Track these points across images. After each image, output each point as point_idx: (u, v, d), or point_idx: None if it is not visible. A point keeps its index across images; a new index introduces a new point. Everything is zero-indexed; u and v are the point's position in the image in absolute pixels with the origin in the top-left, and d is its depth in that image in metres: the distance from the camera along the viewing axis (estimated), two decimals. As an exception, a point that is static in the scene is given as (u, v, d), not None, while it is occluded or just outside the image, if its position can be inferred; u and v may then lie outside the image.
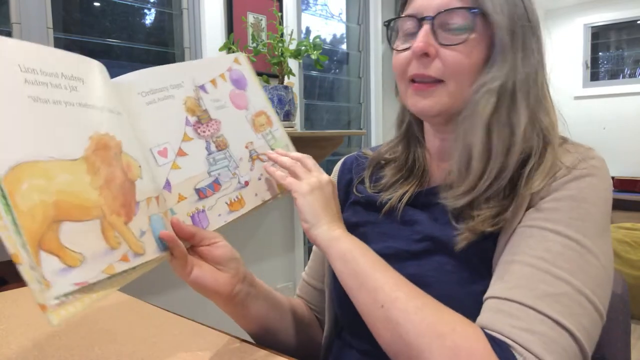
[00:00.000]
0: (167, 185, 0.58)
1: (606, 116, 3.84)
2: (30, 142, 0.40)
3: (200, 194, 0.60)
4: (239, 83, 0.69)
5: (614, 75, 4.01)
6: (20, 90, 0.41)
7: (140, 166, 0.52)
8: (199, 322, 0.72)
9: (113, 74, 0.56)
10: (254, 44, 2.08)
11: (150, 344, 0.64)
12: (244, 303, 0.62)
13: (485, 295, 0.52)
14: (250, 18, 2.19)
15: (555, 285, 0.48)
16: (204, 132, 0.62)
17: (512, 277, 0.50)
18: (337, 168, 0.80)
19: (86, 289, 0.41)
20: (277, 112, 0.69)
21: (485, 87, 0.57)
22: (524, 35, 0.58)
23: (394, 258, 0.59)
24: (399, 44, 0.63)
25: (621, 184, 3.48)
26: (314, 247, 0.79)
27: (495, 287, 0.52)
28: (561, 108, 0.62)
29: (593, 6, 3.96)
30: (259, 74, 2.05)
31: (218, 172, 0.63)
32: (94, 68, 0.51)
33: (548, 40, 0.62)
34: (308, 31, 2.72)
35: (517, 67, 0.57)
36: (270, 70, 2.07)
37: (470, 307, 0.52)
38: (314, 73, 2.67)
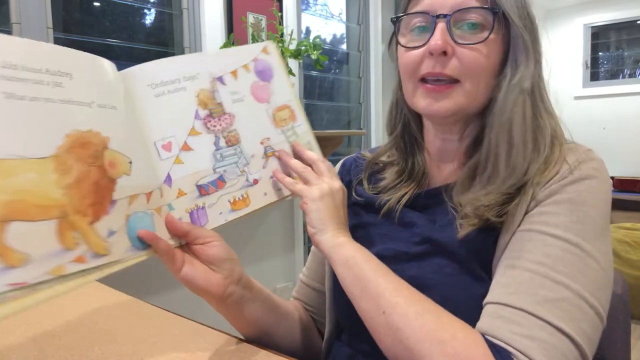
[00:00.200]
0: (168, 179, 0.57)
1: (606, 116, 3.84)
2: None
3: (202, 190, 0.59)
4: (263, 74, 0.66)
5: (614, 75, 4.01)
6: None
7: (130, 162, 0.51)
8: (199, 322, 0.72)
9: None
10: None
11: (150, 344, 0.64)
12: (238, 305, 0.61)
13: (485, 300, 0.52)
14: (250, 18, 2.19)
15: (555, 290, 0.48)
16: (214, 126, 0.60)
17: (511, 282, 0.50)
18: (336, 169, 0.80)
19: (27, 289, 0.40)
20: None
21: (519, 86, 0.57)
22: (537, 35, 0.59)
23: (395, 260, 0.59)
24: (409, 42, 0.62)
25: (621, 184, 3.48)
26: (312, 248, 0.79)
27: (494, 292, 0.52)
28: (561, 108, 0.62)
29: (593, 6, 3.96)
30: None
31: (224, 168, 0.60)
32: (89, 62, 0.51)
33: (547, 40, 0.63)
34: (308, 31, 2.72)
35: (535, 67, 0.58)
36: (270, 70, 2.07)
37: (470, 310, 0.52)
38: (314, 73, 2.67)
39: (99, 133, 0.49)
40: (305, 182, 0.62)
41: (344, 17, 3.00)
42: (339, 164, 0.80)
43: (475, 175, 0.60)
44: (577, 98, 4.00)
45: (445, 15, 0.57)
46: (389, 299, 0.51)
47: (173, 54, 2.10)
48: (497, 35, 0.57)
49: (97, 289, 0.91)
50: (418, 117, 0.69)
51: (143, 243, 0.52)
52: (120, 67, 0.55)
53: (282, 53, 2.01)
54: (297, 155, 0.66)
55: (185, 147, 0.58)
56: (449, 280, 0.57)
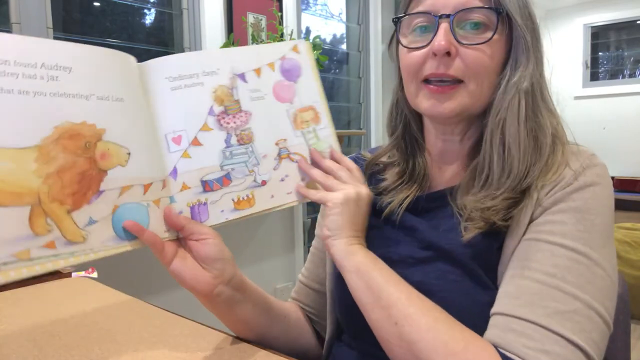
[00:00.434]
0: (174, 172, 0.57)
1: (606, 116, 3.84)
2: None
3: (206, 186, 0.58)
4: (289, 73, 0.64)
5: (614, 75, 4.01)
6: None
7: (129, 154, 0.53)
8: (199, 322, 0.72)
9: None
10: (254, 44, 2.08)
11: (150, 344, 0.64)
12: (226, 305, 0.60)
13: (494, 310, 0.52)
14: (250, 18, 2.19)
15: (565, 301, 0.48)
16: (227, 123, 0.60)
17: (521, 293, 0.50)
18: None
19: None
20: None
21: (516, 86, 0.56)
22: (538, 35, 0.59)
23: (400, 264, 0.59)
24: (411, 42, 0.61)
25: (621, 184, 3.48)
26: (311, 249, 0.79)
27: (503, 303, 0.51)
28: (562, 108, 0.62)
29: (593, 6, 3.96)
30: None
31: (232, 166, 0.60)
32: (95, 56, 0.52)
33: (548, 39, 0.62)
34: (308, 31, 2.72)
35: (536, 67, 0.58)
36: (270, 70, 2.07)
37: (474, 317, 0.52)
38: (314, 73, 2.66)
39: (94, 125, 0.50)
40: (329, 189, 0.60)
41: (344, 17, 3.00)
42: None
43: (475, 177, 0.59)
44: (577, 98, 4.00)
45: (448, 15, 0.56)
46: (401, 309, 0.51)
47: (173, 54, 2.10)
48: (500, 36, 0.57)
49: (97, 289, 0.91)
50: (419, 118, 0.69)
51: (129, 234, 0.52)
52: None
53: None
54: (315, 163, 0.64)
55: (195, 142, 0.58)
56: (453, 286, 0.56)
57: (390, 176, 0.69)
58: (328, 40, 2.89)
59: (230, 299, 0.59)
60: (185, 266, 0.55)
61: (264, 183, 0.61)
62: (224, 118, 0.60)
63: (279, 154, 0.62)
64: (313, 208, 2.67)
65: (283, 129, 0.63)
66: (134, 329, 0.70)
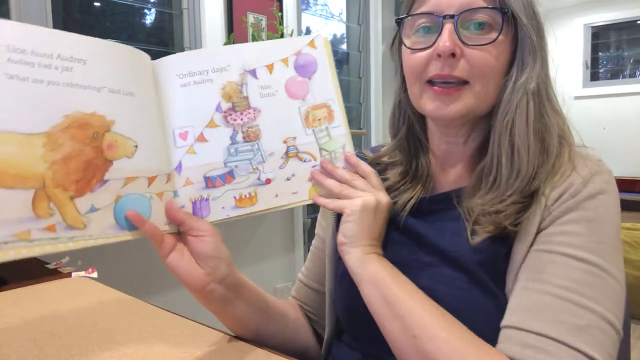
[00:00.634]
0: (179, 167, 0.58)
1: (606, 116, 3.84)
2: None
3: (209, 182, 0.59)
4: (304, 69, 0.63)
5: (614, 75, 4.01)
6: None
7: (136, 146, 0.54)
8: (199, 322, 0.72)
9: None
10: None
11: (150, 344, 0.64)
12: (220, 303, 0.60)
13: (507, 323, 0.51)
14: (250, 18, 2.19)
15: (582, 315, 0.48)
16: (234, 120, 0.60)
17: (537, 307, 0.50)
18: None
19: None
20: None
21: (523, 87, 0.56)
22: (543, 34, 0.58)
23: (405, 267, 0.58)
24: (414, 43, 0.60)
25: (621, 184, 3.46)
26: (311, 248, 0.79)
27: (519, 316, 0.51)
28: (568, 108, 0.61)
29: (593, 6, 3.96)
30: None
31: (236, 164, 0.60)
32: (111, 51, 0.54)
33: (553, 38, 0.61)
34: (308, 31, 2.72)
35: (542, 67, 0.57)
36: (270, 70, 2.07)
37: (482, 326, 0.52)
38: (314, 73, 2.66)
39: (104, 116, 0.52)
40: (346, 198, 0.59)
41: (344, 17, 3.00)
42: None
43: (482, 180, 0.59)
44: (577, 98, 4.00)
45: (452, 16, 0.55)
46: (418, 322, 0.51)
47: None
48: (505, 36, 0.56)
49: (97, 289, 0.91)
50: (422, 119, 0.68)
51: (130, 224, 0.53)
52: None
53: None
54: (328, 173, 0.61)
55: (201, 138, 0.59)
56: (460, 293, 0.56)
57: (392, 176, 0.68)
58: (328, 40, 2.89)
59: (223, 297, 0.59)
60: (181, 260, 0.56)
61: (268, 181, 0.61)
62: (230, 115, 0.60)
63: (286, 152, 0.61)
64: (313, 208, 2.66)
65: (293, 126, 0.62)
66: (134, 329, 0.70)
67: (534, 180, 0.55)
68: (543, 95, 0.57)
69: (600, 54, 4.06)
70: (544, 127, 0.57)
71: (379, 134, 3.05)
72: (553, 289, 0.50)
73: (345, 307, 0.65)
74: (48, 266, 1.09)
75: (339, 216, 0.62)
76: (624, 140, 3.72)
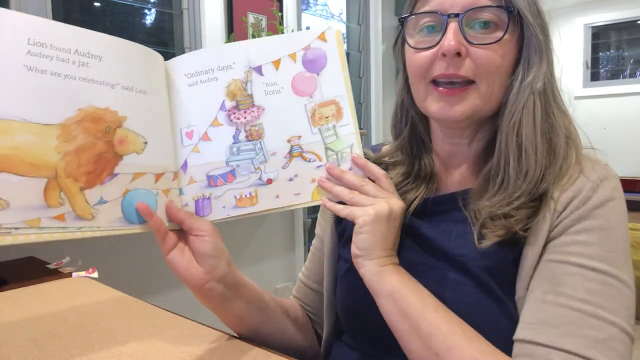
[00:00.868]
0: (184, 165, 0.59)
1: (606, 116, 3.84)
2: (3, 102, 0.46)
3: (211, 181, 0.59)
4: (312, 64, 0.60)
5: (614, 75, 4.01)
6: (17, 60, 0.47)
7: (145, 143, 0.56)
8: (199, 322, 0.72)
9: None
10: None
11: (150, 344, 0.64)
12: (218, 301, 0.60)
13: (529, 338, 0.50)
14: (250, 18, 2.19)
15: (602, 329, 0.48)
16: (237, 118, 0.59)
17: (559, 323, 0.49)
18: None
19: (2, 231, 0.46)
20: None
21: (530, 87, 0.55)
22: (548, 32, 0.57)
23: (410, 270, 0.57)
24: (418, 42, 0.59)
25: (621, 184, 3.47)
26: (311, 248, 0.78)
27: (540, 332, 0.50)
28: (573, 108, 0.61)
29: (593, 6, 3.96)
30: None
31: (238, 163, 0.59)
32: (127, 50, 0.55)
33: (558, 37, 0.60)
34: (308, 31, 2.72)
35: (548, 67, 0.57)
36: (270, 70, 2.07)
37: (487, 329, 0.51)
38: (314, 73, 2.66)
39: (116, 112, 0.54)
40: (357, 205, 0.56)
41: (344, 17, 3.00)
42: None
43: (489, 181, 0.58)
44: (577, 98, 4.00)
45: (457, 15, 0.55)
46: (443, 340, 0.50)
47: (173, 54, 2.10)
48: (511, 35, 0.56)
49: (97, 289, 0.91)
50: (425, 119, 0.66)
51: (137, 217, 0.55)
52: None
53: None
54: (336, 178, 0.58)
55: (205, 137, 0.59)
56: (465, 297, 0.55)
57: (394, 176, 0.66)
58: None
59: (222, 296, 0.60)
60: (181, 258, 0.57)
61: (269, 181, 0.59)
62: (234, 113, 0.59)
63: (289, 152, 0.60)
64: (314, 208, 2.66)
65: (298, 125, 0.60)
66: (134, 329, 0.70)
67: (541, 182, 0.54)
68: (549, 95, 0.57)
69: (600, 54, 4.06)
70: (551, 127, 0.56)
71: (379, 133, 3.05)
72: (570, 301, 0.49)
73: (346, 309, 0.65)
74: (48, 266, 1.09)
75: (337, 216, 0.61)
76: (624, 140, 3.72)
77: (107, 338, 0.67)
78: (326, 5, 2.87)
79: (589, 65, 4.03)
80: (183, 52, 2.09)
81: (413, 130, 0.67)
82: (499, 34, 0.55)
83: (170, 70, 0.59)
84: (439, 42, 0.56)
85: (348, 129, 0.60)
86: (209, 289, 0.58)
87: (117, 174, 0.54)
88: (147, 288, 1.76)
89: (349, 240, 0.58)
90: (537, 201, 0.54)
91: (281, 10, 2.29)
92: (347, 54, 2.99)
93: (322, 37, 0.60)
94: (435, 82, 0.58)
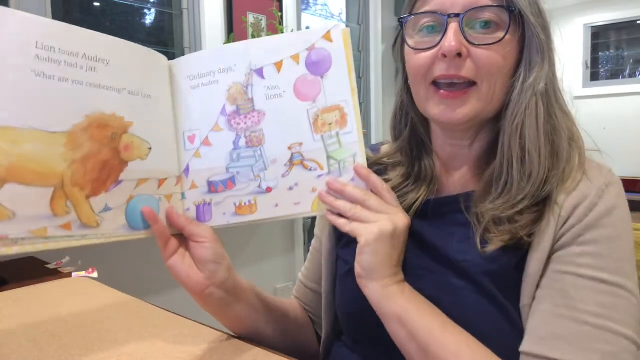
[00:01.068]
0: (187, 170, 0.59)
1: (606, 116, 3.84)
2: (12, 110, 0.45)
3: (212, 187, 0.58)
4: (317, 67, 0.57)
5: (614, 75, 4.01)
6: (26, 65, 0.46)
7: (150, 148, 0.55)
8: (199, 322, 0.72)
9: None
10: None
11: (150, 344, 0.64)
12: (219, 305, 0.61)
13: (541, 353, 0.50)
14: (250, 18, 2.19)
15: (613, 342, 0.48)
16: (238, 124, 0.57)
17: (573, 339, 0.49)
18: None
19: (8, 242, 0.46)
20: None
21: (532, 88, 0.54)
22: (550, 32, 0.57)
23: (410, 273, 0.57)
24: (418, 43, 0.57)
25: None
26: (310, 248, 0.78)
27: (554, 347, 0.49)
28: (576, 109, 0.60)
29: (593, 6, 3.96)
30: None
31: (237, 170, 0.58)
32: (132, 52, 0.54)
33: (559, 36, 0.60)
34: (308, 31, 2.72)
35: (550, 67, 0.56)
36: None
37: (487, 334, 0.51)
38: (314, 73, 2.66)
39: (122, 118, 0.53)
40: (359, 221, 0.54)
41: (344, 17, 3.00)
42: None
43: (492, 184, 0.57)
44: (577, 98, 4.00)
45: (457, 15, 0.54)
46: None
47: (173, 54, 2.10)
48: (513, 35, 0.55)
49: (97, 289, 0.91)
50: (425, 120, 0.65)
51: (140, 223, 0.55)
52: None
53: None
54: (337, 192, 0.56)
55: (206, 142, 0.58)
56: (465, 303, 0.55)
57: (394, 177, 0.65)
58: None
59: (222, 300, 0.60)
60: (182, 263, 0.57)
61: (269, 190, 0.58)
62: (234, 118, 0.58)
63: (290, 160, 0.57)
64: (313, 208, 2.66)
65: (300, 131, 0.57)
66: (134, 329, 0.70)
67: (545, 185, 0.53)
68: (552, 96, 0.56)
69: (600, 54, 4.06)
70: (553, 129, 0.55)
71: (379, 133, 3.05)
72: (582, 315, 0.49)
73: (345, 312, 0.65)
74: (48, 266, 1.09)
75: None
76: (624, 140, 3.72)
77: (107, 338, 0.67)
78: (326, 5, 2.87)
79: (589, 65, 4.03)
80: (183, 52, 2.09)
81: (413, 132, 0.66)
82: (500, 35, 0.54)
83: (173, 71, 0.59)
84: (439, 42, 0.55)
85: (352, 137, 0.57)
86: (209, 294, 0.58)
87: (121, 180, 0.53)
88: (147, 288, 1.76)
89: (350, 242, 0.58)
90: (541, 205, 0.54)
91: (281, 10, 2.29)
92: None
93: (327, 37, 0.57)
94: (435, 84, 0.57)
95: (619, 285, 0.50)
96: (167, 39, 2.11)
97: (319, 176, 0.57)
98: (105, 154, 0.52)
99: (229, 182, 0.58)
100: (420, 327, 0.51)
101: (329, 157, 0.57)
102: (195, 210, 0.59)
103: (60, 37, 0.48)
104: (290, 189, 0.57)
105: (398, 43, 0.64)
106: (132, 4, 1.97)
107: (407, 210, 0.61)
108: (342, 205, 0.55)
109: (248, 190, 0.58)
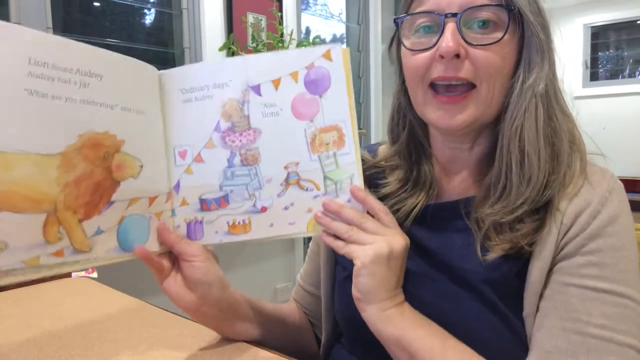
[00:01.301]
0: (177, 186, 0.57)
1: (606, 116, 3.84)
2: (5, 132, 0.42)
3: (204, 205, 0.57)
4: (314, 85, 0.56)
5: (613, 75, 4.01)
6: (18, 83, 0.43)
7: (141, 166, 0.53)
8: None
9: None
10: (254, 44, 2.08)
11: (150, 344, 0.64)
12: (214, 323, 0.61)
13: None
14: (250, 18, 2.19)
15: (620, 353, 0.48)
16: (232, 141, 0.56)
17: (577, 351, 0.49)
18: None
19: (0, 273, 0.43)
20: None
21: (531, 90, 0.53)
22: (549, 32, 0.55)
23: (410, 280, 0.56)
24: (414, 44, 0.56)
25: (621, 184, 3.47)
26: (308, 251, 0.77)
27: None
28: (577, 111, 0.59)
29: (593, 6, 3.96)
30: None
31: (231, 188, 0.56)
32: (125, 66, 0.52)
33: (559, 35, 0.58)
34: (308, 31, 2.72)
35: (550, 68, 0.55)
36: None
37: (488, 341, 0.51)
38: (313, 73, 2.67)
39: (115, 136, 0.51)
40: (355, 243, 0.53)
41: (343, 17, 3.00)
42: None
43: (510, 188, 0.55)
44: (577, 98, 4.00)
45: (454, 14, 0.52)
46: None
47: (173, 54, 2.10)
48: (512, 35, 0.53)
49: (97, 289, 0.91)
50: (424, 122, 0.63)
51: (131, 245, 0.53)
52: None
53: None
54: (333, 213, 0.55)
55: (198, 159, 0.57)
56: (466, 311, 0.54)
57: (393, 181, 0.64)
58: (328, 40, 2.89)
59: (217, 318, 0.60)
60: (174, 285, 0.56)
61: (263, 209, 0.57)
62: (229, 135, 0.56)
63: (286, 179, 0.56)
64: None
65: (296, 150, 0.56)
66: (134, 329, 0.70)
67: (545, 189, 0.52)
68: (552, 97, 0.55)
69: (600, 53, 4.07)
70: (553, 131, 0.54)
71: (379, 134, 3.05)
72: (588, 328, 0.49)
73: (344, 317, 0.65)
74: (48, 266, 1.09)
75: None
76: (624, 140, 3.72)
77: (107, 338, 0.67)
78: (326, 5, 2.87)
79: (589, 65, 4.04)
80: (183, 52, 2.09)
81: (411, 135, 0.64)
82: (499, 34, 0.52)
83: (165, 82, 0.56)
84: (436, 43, 0.53)
85: (349, 159, 0.56)
86: (203, 313, 0.58)
87: (114, 201, 0.51)
88: (147, 288, 1.75)
89: None
90: (542, 212, 0.53)
91: (281, 10, 2.29)
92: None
93: (327, 56, 0.56)
94: (433, 86, 0.55)
95: (624, 295, 0.49)
96: (167, 39, 2.11)
97: (315, 196, 0.56)
98: (98, 175, 0.49)
99: (222, 200, 0.57)
100: (419, 348, 0.51)
101: (325, 178, 0.56)
102: (186, 227, 0.57)
103: (54, 52, 0.45)
104: (286, 208, 0.56)
105: (394, 44, 0.63)
106: (132, 4, 1.97)
107: (406, 216, 0.60)
108: (338, 226, 0.54)
109: (242, 209, 0.57)
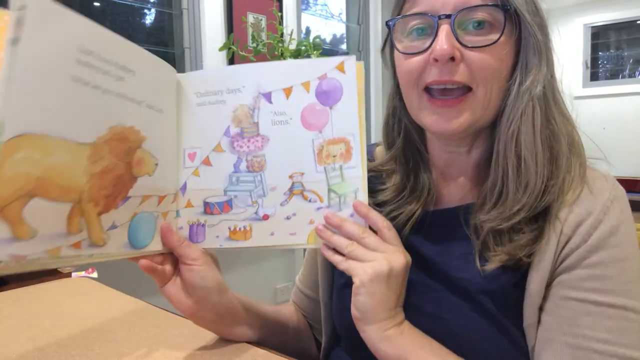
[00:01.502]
0: (184, 187, 0.58)
1: (606, 116, 3.84)
2: (48, 117, 0.41)
3: (207, 208, 0.57)
4: (326, 96, 0.55)
5: (613, 75, 4.02)
6: (66, 68, 0.43)
7: (157, 164, 0.54)
8: (199, 322, 0.72)
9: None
10: (254, 44, 2.08)
11: (150, 344, 0.64)
12: (213, 327, 0.61)
13: None
14: (250, 18, 2.19)
15: None
16: (240, 147, 0.56)
17: None
18: None
19: (24, 262, 0.42)
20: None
21: (528, 92, 0.52)
22: (547, 32, 0.54)
23: (410, 290, 0.55)
24: (407, 47, 0.55)
25: (621, 184, 3.47)
26: (306, 254, 0.77)
27: None
28: (577, 113, 0.58)
29: (593, 6, 3.96)
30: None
31: (235, 193, 0.57)
32: (153, 64, 0.53)
33: (557, 36, 0.57)
34: (308, 31, 2.72)
35: (548, 69, 0.53)
36: (270, 70, 2.08)
37: (487, 352, 0.51)
38: (313, 73, 2.67)
39: (139, 132, 0.51)
40: (355, 259, 0.52)
41: (343, 17, 3.00)
42: None
43: (506, 194, 0.54)
44: (577, 98, 4.00)
45: (448, 16, 0.50)
46: None
47: (173, 54, 2.10)
48: (508, 36, 0.52)
49: (97, 289, 0.91)
50: (420, 127, 0.61)
51: (140, 242, 0.53)
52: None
53: (282, 53, 2.01)
54: (334, 226, 0.54)
55: (206, 162, 0.57)
56: (465, 321, 0.53)
57: (390, 188, 0.62)
58: (328, 40, 2.89)
59: (216, 323, 0.60)
60: (173, 287, 0.56)
61: (265, 217, 0.56)
62: (238, 141, 0.57)
63: (290, 189, 0.56)
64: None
65: (303, 161, 0.56)
66: (134, 329, 0.70)
67: (543, 195, 0.51)
68: (550, 99, 0.53)
69: (600, 53, 4.07)
70: (552, 134, 0.52)
71: (379, 134, 3.04)
72: (591, 343, 0.48)
73: (343, 323, 0.64)
74: (48, 266, 1.09)
75: None
76: (624, 140, 3.72)
77: (107, 338, 0.67)
78: (326, 5, 2.87)
79: (589, 65, 4.04)
80: (183, 52, 2.09)
81: (407, 140, 0.63)
82: (495, 36, 0.51)
83: (181, 85, 0.57)
84: (430, 46, 0.52)
85: (355, 172, 0.55)
86: (201, 317, 0.58)
87: (130, 197, 0.51)
88: (147, 288, 1.76)
89: None
90: (541, 220, 0.51)
91: (281, 10, 2.29)
92: (347, 54, 2.99)
93: (340, 67, 0.55)
94: (428, 90, 0.54)
95: (627, 308, 0.49)
96: (167, 39, 2.11)
97: (318, 208, 0.55)
98: (120, 168, 0.49)
99: (226, 205, 0.57)
100: None
101: (330, 190, 0.56)
102: (189, 229, 0.57)
103: (100, 41, 0.46)
104: (288, 218, 0.56)
105: (387, 47, 0.62)
106: (132, 4, 1.97)
107: (404, 224, 0.59)
108: (338, 240, 0.53)
109: (244, 215, 0.57)
